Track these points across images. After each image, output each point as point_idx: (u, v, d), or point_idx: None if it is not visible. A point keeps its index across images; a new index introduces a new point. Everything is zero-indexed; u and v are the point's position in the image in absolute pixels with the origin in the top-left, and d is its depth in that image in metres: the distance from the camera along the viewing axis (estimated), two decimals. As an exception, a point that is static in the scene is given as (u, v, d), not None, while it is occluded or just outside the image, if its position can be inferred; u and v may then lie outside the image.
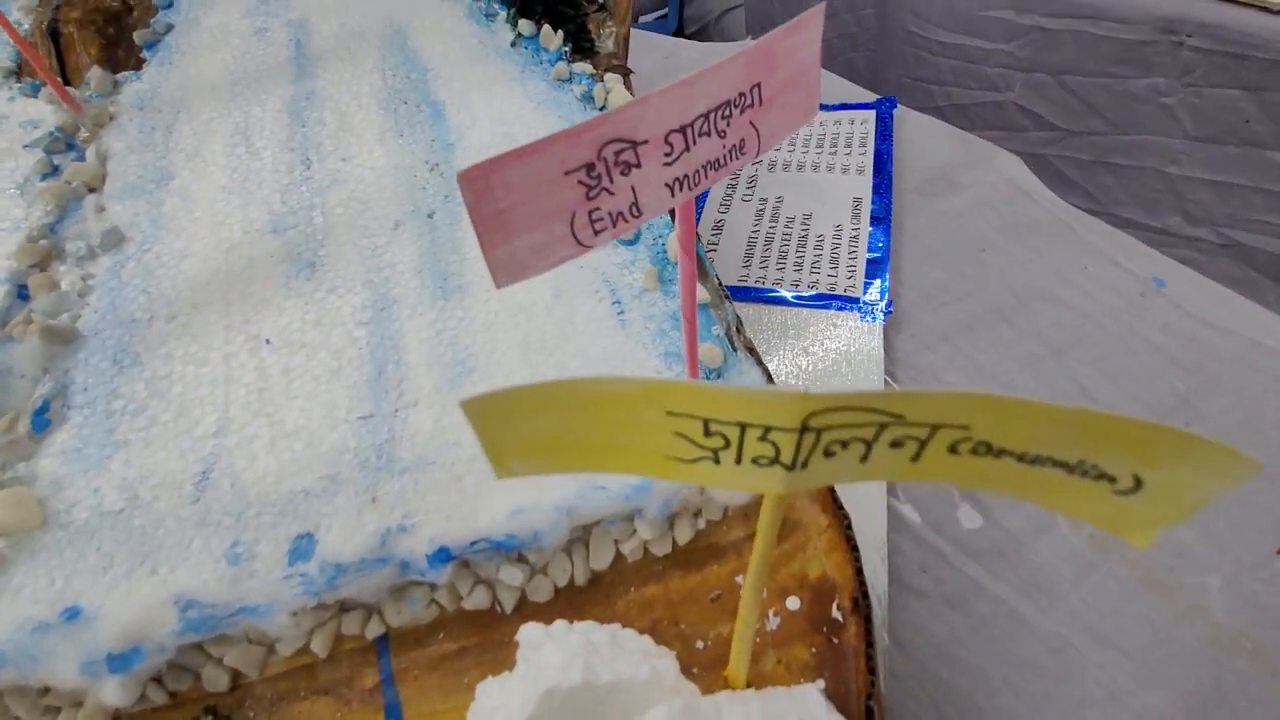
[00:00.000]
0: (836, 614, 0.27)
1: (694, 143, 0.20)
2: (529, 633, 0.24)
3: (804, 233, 0.54)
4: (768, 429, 0.12)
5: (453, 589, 0.28)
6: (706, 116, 0.20)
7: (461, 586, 0.28)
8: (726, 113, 0.20)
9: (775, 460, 0.13)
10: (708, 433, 0.13)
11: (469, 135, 0.41)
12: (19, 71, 0.46)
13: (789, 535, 0.29)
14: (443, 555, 0.28)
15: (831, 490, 0.29)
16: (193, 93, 0.44)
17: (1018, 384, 0.43)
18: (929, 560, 0.36)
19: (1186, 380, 0.43)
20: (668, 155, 0.20)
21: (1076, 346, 0.45)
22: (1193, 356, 0.44)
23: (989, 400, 0.11)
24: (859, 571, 0.27)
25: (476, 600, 0.29)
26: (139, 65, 0.46)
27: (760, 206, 0.57)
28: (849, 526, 0.28)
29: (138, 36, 0.47)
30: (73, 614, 0.26)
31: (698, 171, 0.21)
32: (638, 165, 0.19)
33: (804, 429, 0.12)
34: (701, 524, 0.30)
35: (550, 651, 0.23)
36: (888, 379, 0.44)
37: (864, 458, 0.13)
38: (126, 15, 0.49)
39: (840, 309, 0.48)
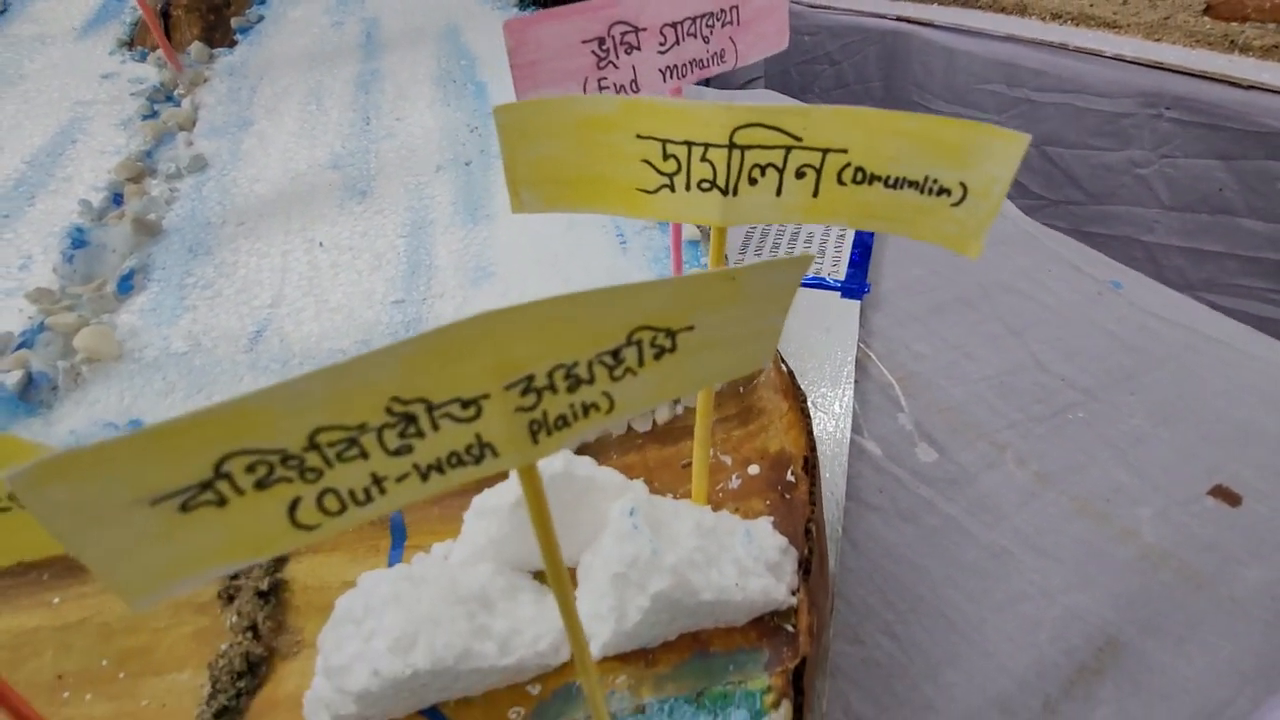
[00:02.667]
0: (790, 477, 0.31)
1: (683, 40, 0.26)
2: (522, 442, 0.28)
3: (796, 230, 0.60)
4: (707, 146, 0.17)
5: (458, 442, 0.33)
6: (694, 20, 0.26)
7: (466, 440, 0.33)
8: (710, 23, 0.26)
9: (713, 184, 0.18)
10: (665, 155, 0.18)
11: (506, 108, 0.48)
12: (131, 42, 0.55)
13: (755, 419, 0.34)
14: (453, 409, 0.32)
15: (792, 378, 0.33)
16: (276, 65, 0.52)
17: (979, 355, 0.48)
18: (886, 484, 0.40)
19: (1134, 359, 0.47)
20: (662, 45, 0.26)
21: (1035, 329, 0.50)
22: (1141, 341, 0.48)
23: (857, 114, 0.16)
24: (810, 436, 0.31)
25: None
26: (233, 44, 0.55)
27: (759, 210, 0.63)
28: (804, 401, 0.32)
29: (234, 22, 0.56)
30: (135, 424, 0.31)
31: (685, 65, 0.27)
32: (638, 48, 0.25)
33: (732, 145, 0.17)
34: (679, 409, 0.34)
35: (539, 451, 0.27)
36: (862, 345, 0.48)
37: (779, 190, 0.18)
38: (225, 6, 0.57)
39: (825, 288, 0.53)
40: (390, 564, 0.29)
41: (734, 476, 0.31)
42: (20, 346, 0.33)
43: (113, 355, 0.33)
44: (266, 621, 0.27)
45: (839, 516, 0.37)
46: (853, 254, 0.56)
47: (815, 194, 0.18)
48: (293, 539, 0.12)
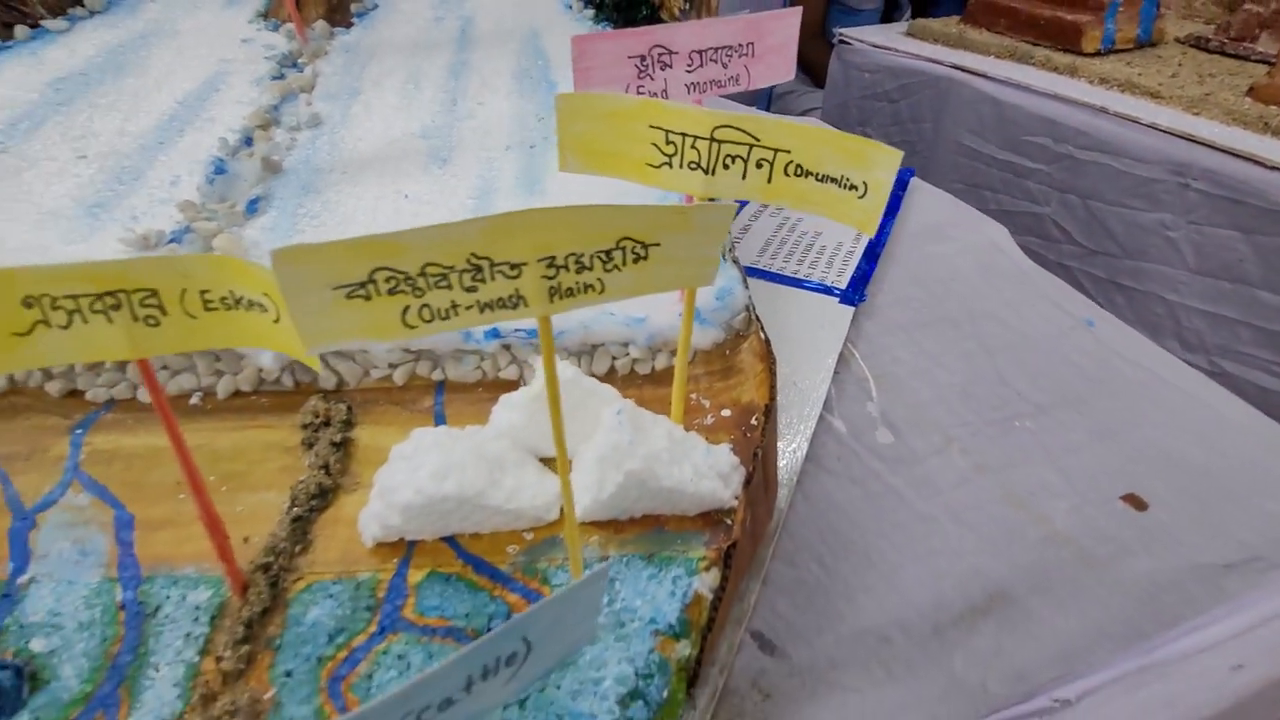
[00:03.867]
0: (754, 422, 0.38)
1: (706, 64, 0.34)
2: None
3: (810, 243, 0.67)
4: (695, 137, 0.25)
5: (495, 361, 0.41)
6: (716, 50, 0.34)
7: (501, 360, 0.41)
8: (729, 53, 0.34)
9: (699, 166, 0.25)
10: (667, 141, 0.25)
11: (570, 104, 0.57)
12: (266, 14, 0.65)
13: (734, 375, 0.41)
14: (493, 334, 0.40)
15: (768, 344, 0.40)
16: (384, 48, 0.62)
17: (950, 366, 0.54)
18: (844, 454, 0.46)
19: (1089, 387, 0.53)
20: (689, 66, 0.34)
21: (1006, 351, 0.56)
22: (1100, 374, 0.54)
23: (796, 127, 0.24)
24: (774, 390, 0.38)
25: (508, 373, 0.41)
26: (350, 26, 0.65)
27: (781, 222, 0.71)
28: (774, 364, 0.39)
29: (353, 7, 0.66)
30: (253, 311, 0.40)
31: (706, 83, 0.34)
32: (670, 67, 0.33)
33: (712, 139, 0.25)
34: (674, 361, 0.42)
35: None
36: (848, 344, 0.55)
37: (744, 175, 0.26)
38: (348, -6, 0.67)
39: (825, 293, 0.60)
40: (431, 439, 0.37)
41: (709, 416, 0.39)
42: (171, 241, 0.42)
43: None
44: (336, 464, 0.35)
45: (796, 470, 0.44)
46: (857, 269, 0.63)
47: (769, 180, 0.25)
48: (401, 333, 0.20)
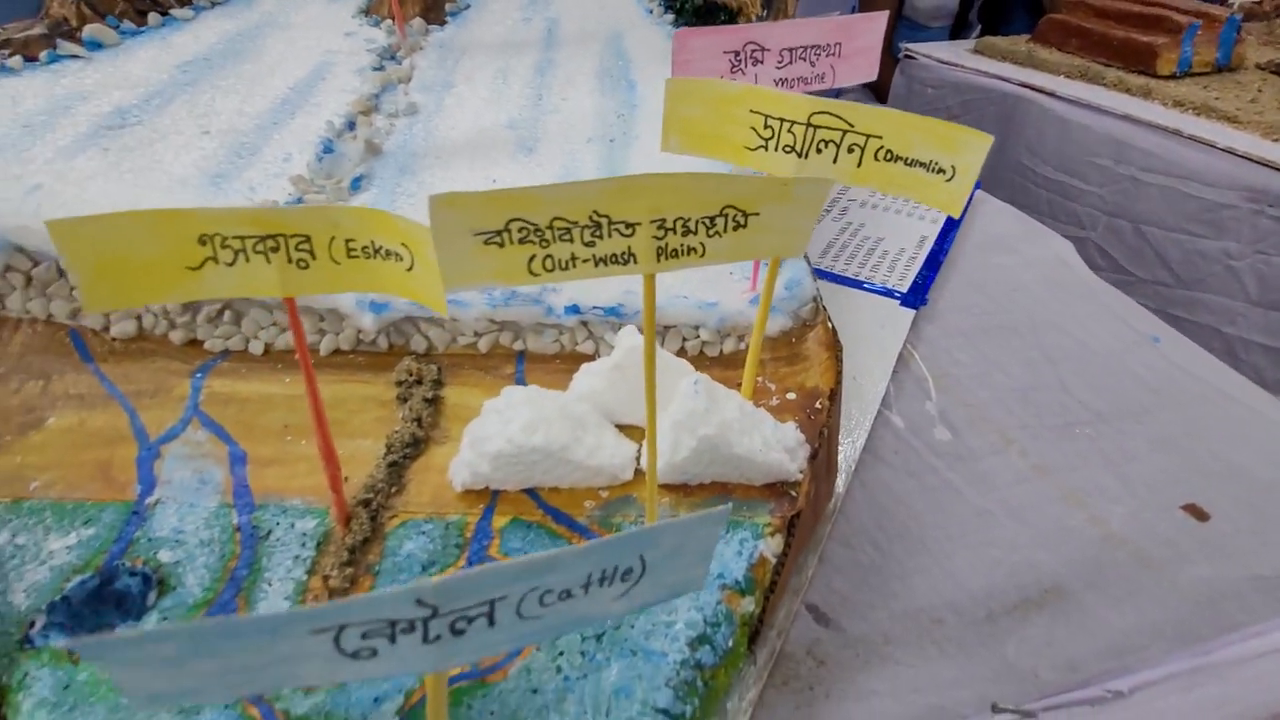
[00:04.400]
0: (818, 405, 0.40)
1: (795, 61, 0.36)
2: (625, 330, 0.38)
3: (872, 248, 0.68)
4: (793, 122, 0.27)
5: (573, 335, 0.44)
6: (806, 48, 0.36)
7: (578, 335, 0.44)
8: (817, 52, 0.36)
9: (793, 149, 0.27)
10: (765, 125, 0.27)
11: (648, 102, 0.59)
12: (368, 10, 0.70)
13: (800, 361, 0.43)
14: (573, 309, 0.43)
15: (834, 334, 0.42)
16: (475, 45, 0.66)
17: (1011, 372, 0.55)
18: (902, 448, 0.48)
19: (1151, 399, 0.53)
20: (779, 63, 0.36)
21: (1068, 360, 0.56)
22: (1163, 387, 0.54)
23: (889, 113, 0.26)
24: (839, 376, 0.40)
25: (585, 348, 0.44)
26: (444, 24, 0.69)
27: (844, 226, 0.72)
28: (840, 351, 0.41)
29: (447, 7, 0.70)
30: (357, 277, 0.43)
31: (794, 80, 0.37)
32: (761, 63, 0.35)
33: (809, 124, 0.27)
34: (743, 345, 0.44)
35: (633, 334, 0.37)
36: (908, 345, 0.56)
37: (835, 159, 0.28)
38: (443, -6, 0.72)
39: (886, 296, 0.61)
40: (514, 402, 0.40)
41: (774, 399, 0.41)
42: (286, 211, 0.46)
43: (345, 228, 0.46)
44: (427, 418, 0.38)
45: (854, 460, 0.45)
46: (918, 275, 0.64)
47: (859, 165, 0.27)
48: (526, 279, 0.23)
